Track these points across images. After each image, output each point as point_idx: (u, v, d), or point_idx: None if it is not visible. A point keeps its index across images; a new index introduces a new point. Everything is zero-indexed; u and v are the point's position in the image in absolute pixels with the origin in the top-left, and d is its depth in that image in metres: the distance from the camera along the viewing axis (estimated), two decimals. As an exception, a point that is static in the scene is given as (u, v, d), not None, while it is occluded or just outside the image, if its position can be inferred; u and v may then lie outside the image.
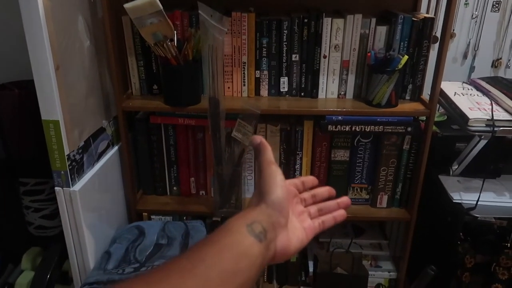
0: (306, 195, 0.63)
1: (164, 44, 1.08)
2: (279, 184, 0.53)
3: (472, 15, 1.35)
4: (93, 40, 1.08)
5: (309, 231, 0.57)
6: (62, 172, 0.99)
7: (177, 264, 0.40)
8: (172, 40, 1.08)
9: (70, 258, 1.09)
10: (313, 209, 0.62)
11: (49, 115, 0.93)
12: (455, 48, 1.38)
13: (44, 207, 1.33)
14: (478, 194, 1.08)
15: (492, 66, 1.41)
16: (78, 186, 1.02)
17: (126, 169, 1.26)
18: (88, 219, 1.07)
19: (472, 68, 1.40)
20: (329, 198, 0.64)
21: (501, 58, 1.40)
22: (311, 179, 0.64)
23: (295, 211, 0.59)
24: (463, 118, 1.06)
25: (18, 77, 1.33)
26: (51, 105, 0.92)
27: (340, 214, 0.62)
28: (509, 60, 1.40)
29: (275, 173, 0.54)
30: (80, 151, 1.04)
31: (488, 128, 1.03)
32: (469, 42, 1.39)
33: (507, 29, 1.37)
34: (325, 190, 0.65)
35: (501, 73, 1.42)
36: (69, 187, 1.00)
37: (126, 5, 1.02)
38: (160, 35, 1.07)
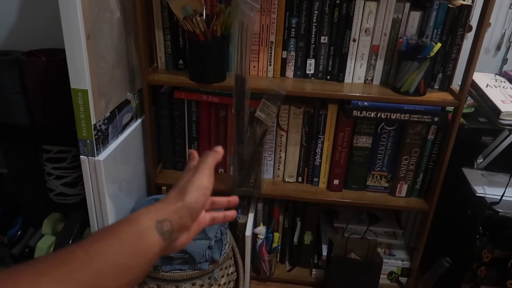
0: None
1: (193, 19, 1.06)
2: (202, 191, 0.51)
3: (510, 5, 1.30)
4: (123, 11, 1.07)
5: (202, 224, 0.57)
6: (88, 141, 1.00)
7: (71, 253, 0.38)
8: (201, 15, 1.07)
9: (91, 226, 1.11)
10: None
11: (78, 83, 0.93)
12: (488, 38, 1.34)
13: (66, 175, 1.36)
14: (503, 189, 1.07)
15: (527, 59, 1.37)
16: (102, 156, 1.03)
17: (148, 143, 1.27)
18: (110, 189, 1.08)
19: (504, 61, 1.35)
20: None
21: (536, 51, 1.35)
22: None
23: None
24: (495, 110, 1.03)
25: (45, 45, 1.34)
26: (81, 74, 0.92)
27: (231, 214, 0.62)
28: (545, 54, 1.35)
29: (205, 179, 0.52)
30: (105, 121, 1.05)
31: (520, 122, 1.00)
32: (504, 33, 1.34)
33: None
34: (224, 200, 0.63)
35: (536, 67, 1.37)
36: (94, 156, 1.01)
37: (158, -23, 1.01)
38: (190, 9, 1.06)
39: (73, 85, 0.94)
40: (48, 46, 1.34)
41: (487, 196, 1.08)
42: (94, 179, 1.03)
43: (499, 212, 1.07)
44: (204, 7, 1.07)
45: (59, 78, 1.31)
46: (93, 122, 0.98)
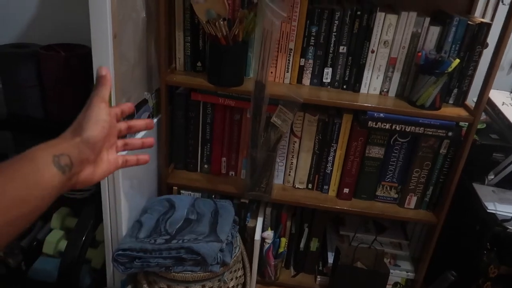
0: (123, 125, 0.63)
1: (216, 23, 1.08)
2: (100, 124, 0.52)
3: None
4: (148, 11, 1.08)
5: (112, 164, 0.58)
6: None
7: None
8: (225, 19, 1.08)
9: (104, 222, 1.12)
10: (120, 142, 0.62)
11: (102, 82, 0.94)
12: (503, 55, 1.36)
13: (78, 170, 1.36)
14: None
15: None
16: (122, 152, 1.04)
17: (162, 142, 1.28)
18: (126, 187, 1.09)
19: (518, 78, 1.37)
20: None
21: (549, 71, 1.37)
22: (128, 107, 0.64)
23: (107, 143, 0.58)
24: (510, 130, 1.05)
25: (64, 40, 1.35)
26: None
27: (144, 158, 0.65)
28: (557, 74, 1.37)
29: (101, 112, 0.53)
30: (125, 119, 1.05)
31: (535, 142, 1.02)
32: (518, 51, 1.36)
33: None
34: (143, 124, 0.66)
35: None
36: (112, 154, 1.01)
37: (185, -20, 1.02)
38: (213, 13, 1.07)
39: (97, 82, 0.95)
40: (67, 41, 1.35)
41: (498, 212, 1.09)
42: (111, 175, 1.04)
43: (508, 229, 1.08)
44: (228, 11, 1.09)
45: (76, 74, 1.32)
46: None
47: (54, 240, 1.32)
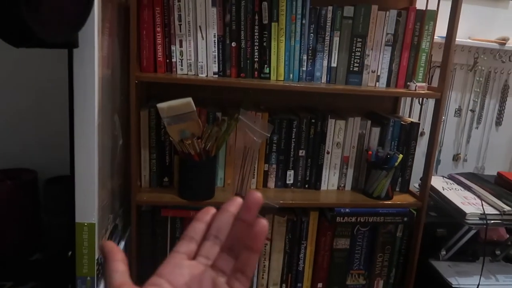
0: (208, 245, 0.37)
1: (190, 141, 1.10)
2: None
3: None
4: (124, 137, 1.07)
5: None
6: (89, 278, 0.91)
7: None
8: (198, 138, 1.12)
9: None
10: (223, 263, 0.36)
11: (86, 217, 0.88)
12: (424, 144, 1.61)
13: (26, 313, 1.18)
14: (471, 277, 1.22)
15: (453, 160, 1.65)
16: (101, 292, 0.94)
17: (133, 267, 1.19)
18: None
19: (438, 161, 1.62)
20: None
21: (460, 153, 1.65)
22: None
23: None
24: (460, 212, 1.22)
25: (1, 165, 1.25)
26: (90, 207, 0.88)
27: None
28: (466, 155, 1.66)
29: None
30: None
31: (481, 221, 1.19)
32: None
33: (464, 129, 1.64)
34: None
35: (460, 166, 1.66)
36: (95, 294, 0.92)
37: (160, 105, 1.05)
38: (188, 133, 1.10)
39: (79, 219, 0.88)
40: (6, 166, 1.25)
41: (461, 286, 1.21)
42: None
43: (472, 300, 1.21)
44: (201, 130, 1.13)
45: (23, 203, 1.20)
46: (96, 256, 0.91)
47: None
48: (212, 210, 0.39)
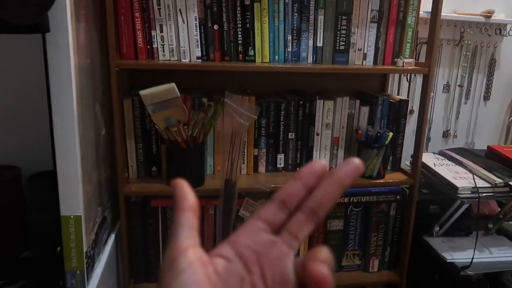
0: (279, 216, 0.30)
1: (176, 128, 1.08)
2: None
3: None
4: (107, 127, 1.04)
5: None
6: (78, 272, 0.89)
7: None
8: (185, 124, 1.09)
9: None
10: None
11: (71, 210, 0.86)
12: (414, 122, 1.60)
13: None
14: (465, 252, 1.22)
15: (443, 136, 1.65)
16: (92, 285, 0.92)
17: (125, 259, 1.17)
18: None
19: (428, 139, 1.61)
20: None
21: (449, 130, 1.65)
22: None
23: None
24: (452, 187, 1.22)
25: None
26: (75, 199, 0.85)
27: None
28: (455, 131, 1.65)
29: (196, 275, 0.27)
30: (93, 245, 0.95)
31: (473, 195, 1.19)
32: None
33: (453, 105, 1.63)
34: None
35: (450, 142, 1.66)
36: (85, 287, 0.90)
37: (142, 92, 1.02)
38: (173, 120, 1.07)
39: (64, 212, 0.86)
40: None
41: (456, 261, 1.22)
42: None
43: (469, 274, 1.21)
44: (187, 116, 1.10)
45: (7, 201, 1.17)
46: (85, 249, 0.89)
47: None
48: (320, 166, 0.30)
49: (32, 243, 1.24)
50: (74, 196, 0.85)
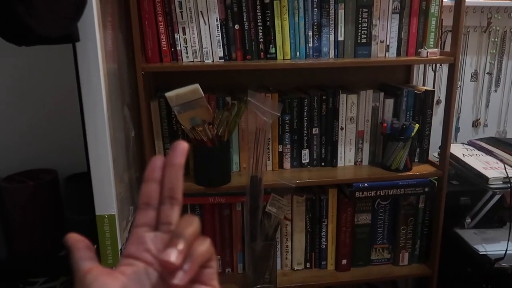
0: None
1: (202, 128, 1.11)
2: None
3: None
4: (136, 129, 1.08)
5: None
6: (114, 268, 0.93)
7: None
8: (210, 123, 1.12)
9: None
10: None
11: (105, 209, 0.90)
12: (442, 112, 1.56)
13: (58, 306, 1.22)
14: (498, 244, 1.19)
15: (472, 126, 1.61)
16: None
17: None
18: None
19: (457, 129, 1.58)
20: None
21: (479, 119, 1.60)
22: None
23: None
24: (482, 177, 1.19)
25: (23, 167, 1.28)
26: (109, 199, 0.89)
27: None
28: (486, 120, 1.61)
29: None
30: (126, 242, 0.99)
31: (505, 185, 1.16)
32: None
33: (482, 94, 1.59)
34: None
35: (480, 131, 1.62)
36: (121, 283, 0.94)
37: (168, 94, 1.05)
38: (198, 119, 1.10)
39: (99, 211, 0.90)
40: (28, 167, 1.28)
41: (489, 253, 1.19)
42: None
43: (503, 266, 1.18)
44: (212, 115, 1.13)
45: (47, 203, 1.23)
46: (119, 246, 0.93)
47: None
48: (159, 162, 0.35)
49: (70, 242, 1.30)
50: (107, 197, 0.89)
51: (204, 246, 0.32)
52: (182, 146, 0.35)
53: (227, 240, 1.33)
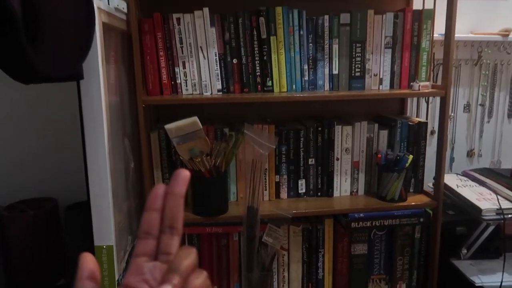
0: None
1: (200, 159, 1.13)
2: None
3: (449, 116, 1.59)
4: (136, 159, 1.11)
5: None
6: (110, 299, 0.94)
7: None
8: (207, 155, 1.14)
9: None
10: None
11: (104, 240, 0.91)
12: (436, 143, 1.59)
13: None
14: (494, 275, 1.19)
15: (467, 156, 1.63)
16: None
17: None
18: None
19: (452, 159, 1.60)
20: None
21: (473, 149, 1.63)
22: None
23: None
24: (475, 209, 1.21)
25: (23, 196, 1.30)
26: (107, 230, 0.91)
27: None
28: (480, 150, 1.64)
29: None
30: (124, 273, 1.00)
31: (498, 216, 1.18)
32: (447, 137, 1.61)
33: (475, 124, 1.62)
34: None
35: (474, 161, 1.64)
36: (117, 315, 0.94)
37: (168, 126, 1.08)
38: (197, 151, 1.13)
39: (97, 242, 0.91)
40: (27, 196, 1.30)
41: (485, 284, 1.19)
42: None
43: (498, 297, 1.18)
44: (210, 147, 1.15)
45: (46, 231, 1.25)
46: (116, 277, 0.94)
47: None
48: (161, 190, 0.36)
49: (68, 271, 1.30)
50: (106, 227, 0.91)
51: (200, 279, 0.34)
52: (184, 174, 0.36)
53: (224, 270, 1.33)
